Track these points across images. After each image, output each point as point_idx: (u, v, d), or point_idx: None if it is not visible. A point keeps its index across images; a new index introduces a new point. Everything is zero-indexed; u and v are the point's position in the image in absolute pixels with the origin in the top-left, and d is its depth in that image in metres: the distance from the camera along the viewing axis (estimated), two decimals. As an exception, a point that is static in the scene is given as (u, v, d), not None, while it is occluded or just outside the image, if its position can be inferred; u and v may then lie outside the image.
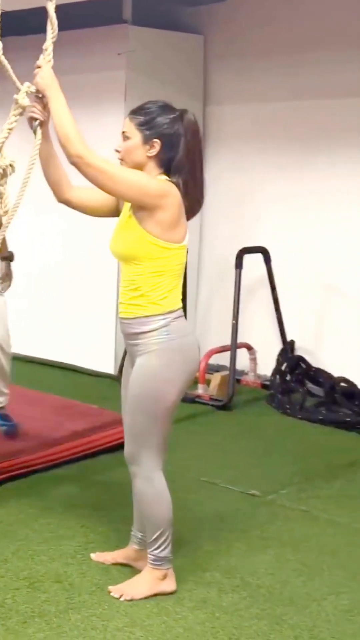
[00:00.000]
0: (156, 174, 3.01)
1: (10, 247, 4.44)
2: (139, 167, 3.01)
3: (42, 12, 3.14)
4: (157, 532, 3.07)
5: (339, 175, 5.71)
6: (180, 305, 3.08)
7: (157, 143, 2.99)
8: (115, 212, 3.17)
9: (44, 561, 3.34)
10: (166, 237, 2.98)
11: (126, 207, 3.07)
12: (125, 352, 3.31)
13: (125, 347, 3.20)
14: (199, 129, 3.10)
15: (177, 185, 2.99)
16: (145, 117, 3.01)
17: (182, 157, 3.01)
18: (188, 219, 3.07)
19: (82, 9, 5.33)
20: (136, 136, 3.00)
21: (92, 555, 3.37)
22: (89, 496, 3.99)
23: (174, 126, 3.00)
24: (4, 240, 3.91)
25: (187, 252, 3.11)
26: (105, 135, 5.83)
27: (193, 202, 3.07)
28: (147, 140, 3.00)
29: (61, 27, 5.45)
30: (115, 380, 5.94)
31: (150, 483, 3.06)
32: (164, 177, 3.01)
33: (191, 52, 6.21)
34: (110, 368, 6.05)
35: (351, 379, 5.49)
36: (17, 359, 6.42)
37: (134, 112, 3.05)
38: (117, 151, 3.05)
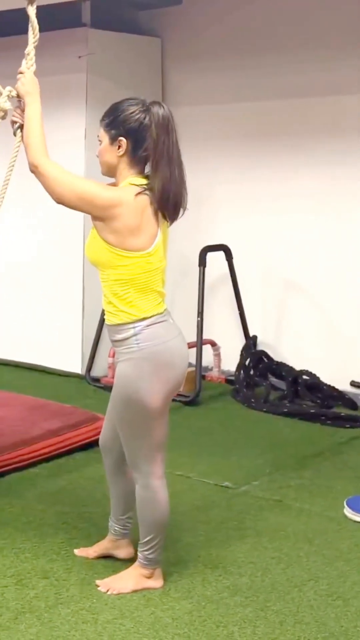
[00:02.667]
0: (131, 174, 3.01)
1: None
2: (113, 168, 3.04)
3: (22, 12, 3.22)
4: (149, 535, 3.14)
5: (297, 174, 5.85)
6: (158, 311, 3.02)
7: (122, 141, 2.98)
8: None
9: (29, 558, 3.41)
10: (125, 245, 2.96)
11: None
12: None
13: None
14: (169, 121, 2.98)
15: (152, 189, 2.96)
16: (110, 117, 3.03)
17: (151, 152, 2.97)
18: (170, 223, 3.07)
19: (42, 12, 5.38)
20: (105, 138, 3.03)
21: (75, 551, 3.46)
22: (67, 494, 4.07)
23: (138, 121, 2.97)
24: None
25: (161, 256, 3.05)
26: (67, 137, 5.93)
27: (172, 206, 3.00)
28: (113, 141, 3.01)
29: (22, 31, 5.51)
30: (82, 379, 6.02)
31: (148, 490, 3.10)
32: (137, 178, 3.01)
33: (149, 55, 6.30)
34: (77, 367, 6.12)
35: (312, 372, 5.65)
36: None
37: (104, 114, 3.07)
38: (97, 156, 3.10)
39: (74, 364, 6.15)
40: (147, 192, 2.98)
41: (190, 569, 3.34)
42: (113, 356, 5.86)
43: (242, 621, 2.98)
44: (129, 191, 2.98)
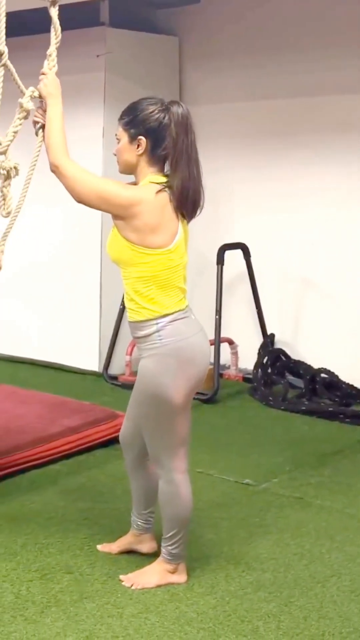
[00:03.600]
0: (150, 172, 3.04)
1: None
2: (133, 167, 3.06)
3: (42, 11, 3.24)
4: (173, 530, 3.16)
5: (314, 172, 5.86)
6: (180, 307, 3.04)
7: (142, 140, 3.00)
8: None
9: (52, 553, 3.43)
10: (146, 243, 2.99)
11: None
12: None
13: None
14: (188, 121, 3.01)
15: (171, 187, 2.99)
16: (129, 115, 3.04)
17: (170, 151, 2.99)
18: (188, 221, 3.09)
19: (60, 12, 5.40)
20: (124, 137, 3.05)
21: (98, 547, 3.48)
22: (87, 490, 4.09)
23: (158, 120, 2.99)
24: None
25: (183, 252, 3.07)
26: (85, 136, 5.95)
27: (191, 204, 3.03)
28: (132, 139, 3.02)
29: (40, 30, 5.52)
30: (99, 377, 6.04)
31: (170, 485, 3.12)
32: (157, 177, 3.03)
33: (167, 54, 6.32)
34: (94, 365, 6.14)
35: (330, 370, 5.65)
36: (2, 359, 6.52)
37: (122, 113, 3.09)
38: (115, 154, 3.12)
39: (92, 362, 6.18)
40: (166, 189, 3.01)
41: (213, 564, 3.36)
42: (130, 354, 5.92)
43: (267, 616, 2.99)
44: (149, 189, 3.00)
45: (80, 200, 3.03)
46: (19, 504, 3.91)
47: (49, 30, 3.23)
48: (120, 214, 2.99)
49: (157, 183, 3.02)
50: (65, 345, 6.31)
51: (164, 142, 3.01)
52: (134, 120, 3.03)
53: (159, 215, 2.99)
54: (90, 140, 5.88)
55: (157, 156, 3.05)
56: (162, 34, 6.32)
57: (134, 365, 5.77)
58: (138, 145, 3.03)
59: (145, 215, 2.97)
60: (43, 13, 3.29)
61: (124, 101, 6.25)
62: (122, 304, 5.97)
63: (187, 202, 3.04)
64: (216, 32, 6.22)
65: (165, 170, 3.08)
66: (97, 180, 3.03)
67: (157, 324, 3.03)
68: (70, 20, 5.95)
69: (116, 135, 3.11)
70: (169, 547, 3.19)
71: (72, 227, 6.17)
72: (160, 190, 3.00)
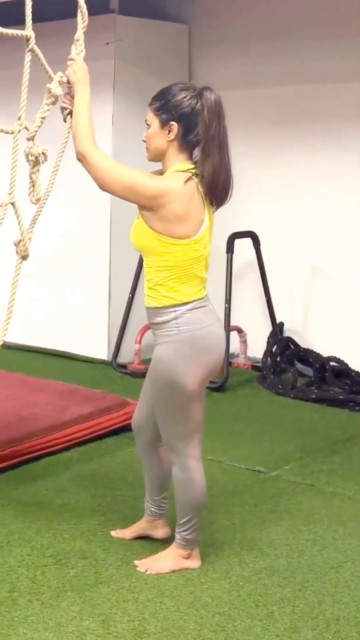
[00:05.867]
0: (179, 160, 3.02)
1: None
2: (162, 153, 3.04)
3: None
4: (187, 516, 3.17)
5: (327, 161, 5.85)
6: (199, 296, 3.04)
7: (174, 126, 2.99)
8: None
9: (67, 539, 3.45)
10: (172, 233, 2.98)
11: None
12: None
13: None
14: (221, 107, 3.00)
15: (201, 174, 2.97)
16: (161, 101, 3.03)
17: (202, 137, 2.96)
18: (215, 209, 3.08)
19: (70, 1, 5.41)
20: (154, 122, 3.03)
21: (112, 533, 3.49)
22: (100, 477, 4.11)
23: (190, 106, 2.97)
24: None
25: (208, 241, 3.07)
26: (95, 124, 5.92)
27: (221, 191, 3.02)
28: (164, 125, 3.01)
29: (49, 18, 5.51)
30: (109, 365, 6.06)
31: (185, 471, 3.13)
32: (185, 164, 3.02)
33: (176, 41, 6.31)
34: (103, 354, 6.15)
35: (340, 358, 5.65)
36: (10, 348, 6.53)
37: (153, 98, 3.07)
38: (144, 141, 3.10)
39: (101, 351, 6.19)
40: (194, 177, 2.99)
41: (226, 550, 3.38)
42: (140, 342, 5.93)
43: (281, 601, 3.01)
44: (178, 179, 2.99)
45: (107, 190, 3.03)
46: (32, 490, 3.93)
47: (75, 15, 3.23)
48: (148, 205, 2.98)
49: (184, 171, 3.00)
50: (74, 334, 6.32)
51: (196, 128, 2.99)
52: (165, 105, 3.01)
53: (187, 205, 2.99)
54: (99, 128, 5.70)
55: (187, 142, 3.03)
56: (172, 22, 6.31)
57: (145, 353, 5.78)
58: (169, 131, 3.01)
59: (173, 205, 2.96)
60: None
61: (134, 89, 6.28)
62: (131, 292, 5.98)
63: (217, 189, 3.02)
64: (226, 20, 6.20)
65: (193, 157, 3.06)
66: (125, 170, 3.00)
67: (175, 311, 3.04)
68: (80, 7, 6.01)
69: (146, 120, 3.08)
70: (183, 533, 3.21)
71: (82, 215, 6.18)
72: (188, 179, 2.99)
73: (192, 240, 3.02)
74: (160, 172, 3.11)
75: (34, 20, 3.15)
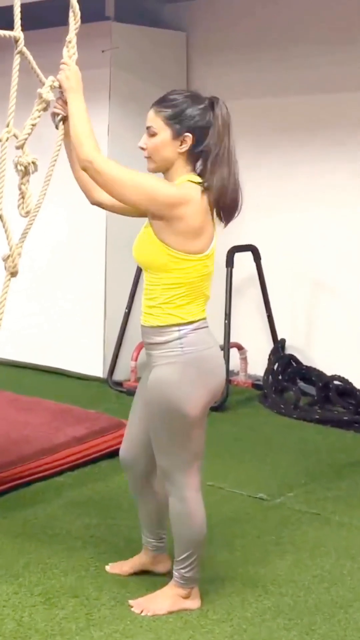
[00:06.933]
0: (187, 171, 2.84)
1: None
2: (170, 164, 2.84)
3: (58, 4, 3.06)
4: (186, 552, 2.95)
5: (328, 172, 5.67)
6: (203, 315, 2.87)
7: (188, 138, 2.80)
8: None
9: (57, 575, 3.23)
10: (185, 248, 2.79)
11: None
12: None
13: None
14: (230, 120, 2.86)
15: (209, 187, 2.79)
16: (174, 109, 2.80)
17: (213, 149, 2.80)
18: (225, 224, 2.89)
19: (65, 6, 5.24)
20: (165, 131, 2.81)
21: (107, 568, 3.27)
22: (94, 504, 3.89)
23: (205, 117, 2.81)
24: None
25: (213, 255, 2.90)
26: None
27: (230, 204, 2.84)
28: (177, 136, 2.80)
29: (44, 25, 5.33)
30: (104, 383, 5.85)
31: (183, 503, 2.91)
32: (193, 176, 2.83)
33: (174, 49, 6.14)
34: (99, 371, 5.95)
35: (344, 377, 5.45)
36: (2, 364, 6.33)
37: (160, 104, 2.84)
38: (143, 148, 2.86)
39: (96, 368, 5.98)
40: (205, 190, 2.81)
41: (227, 587, 3.16)
42: (136, 360, 5.72)
43: (288, 646, 2.79)
44: (195, 189, 2.80)
45: (119, 198, 2.81)
46: (21, 519, 3.71)
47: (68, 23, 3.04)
48: (164, 214, 2.76)
49: (197, 183, 2.82)
50: (68, 351, 6.11)
51: (206, 140, 2.81)
52: (180, 115, 2.80)
53: (204, 218, 2.80)
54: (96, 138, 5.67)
55: (195, 154, 2.85)
56: (169, 29, 6.14)
57: (139, 372, 5.58)
58: (182, 142, 2.81)
59: (191, 217, 2.77)
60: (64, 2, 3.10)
61: (130, 98, 6.09)
62: (128, 307, 5.79)
63: (226, 204, 2.84)
64: (225, 27, 6.03)
65: (197, 169, 2.87)
66: (138, 175, 2.79)
67: (179, 330, 2.83)
68: (75, 14, 5.84)
69: (151, 127, 2.84)
70: (182, 570, 2.98)
71: (76, 229, 5.98)
72: (203, 191, 2.80)
73: (204, 255, 2.83)
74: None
75: (26, 27, 2.97)
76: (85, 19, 5.74)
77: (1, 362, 6.37)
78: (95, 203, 3.09)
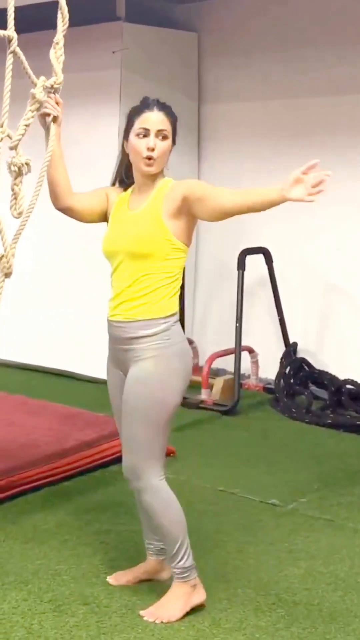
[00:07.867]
0: (162, 175, 2.96)
1: None
2: (163, 168, 2.95)
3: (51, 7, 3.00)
4: (177, 543, 2.93)
5: (340, 175, 5.57)
6: (178, 309, 2.98)
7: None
8: (104, 217, 3.06)
9: (66, 581, 3.18)
10: (185, 239, 2.92)
11: (123, 203, 2.96)
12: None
13: (111, 353, 3.03)
14: None
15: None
16: (174, 117, 2.94)
17: None
18: None
19: (76, 6, 5.20)
20: (171, 137, 2.93)
21: (109, 579, 3.19)
22: (103, 509, 3.84)
23: None
24: None
25: None
26: (101, 135, 5.72)
27: None
28: (174, 143, 2.97)
29: (55, 26, 5.30)
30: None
31: (158, 494, 2.92)
32: (169, 179, 2.97)
33: (185, 50, 6.09)
34: (105, 373, 5.87)
35: (357, 381, 5.39)
36: (9, 367, 6.29)
37: (166, 109, 2.91)
38: (152, 149, 2.86)
39: (103, 370, 5.90)
40: None
41: (240, 596, 3.10)
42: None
43: (302, 656, 2.74)
44: None
45: (223, 216, 2.84)
46: (31, 525, 3.66)
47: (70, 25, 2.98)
48: (193, 208, 2.84)
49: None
50: (77, 353, 6.06)
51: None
52: (176, 122, 2.95)
53: None
54: (105, 139, 5.64)
55: None
56: (181, 30, 6.10)
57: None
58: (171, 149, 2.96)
59: None
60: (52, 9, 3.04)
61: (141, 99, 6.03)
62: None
63: None
64: (237, 28, 5.98)
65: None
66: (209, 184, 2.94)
67: (166, 322, 2.90)
68: (86, 15, 5.78)
69: (164, 130, 2.89)
70: (180, 563, 2.95)
71: (81, 232, 5.89)
72: None
73: (187, 249, 2.95)
74: (127, 187, 3.01)
75: (23, 30, 2.90)
76: (96, 19, 5.74)
77: (10, 364, 6.32)
78: (63, 209, 3.04)
